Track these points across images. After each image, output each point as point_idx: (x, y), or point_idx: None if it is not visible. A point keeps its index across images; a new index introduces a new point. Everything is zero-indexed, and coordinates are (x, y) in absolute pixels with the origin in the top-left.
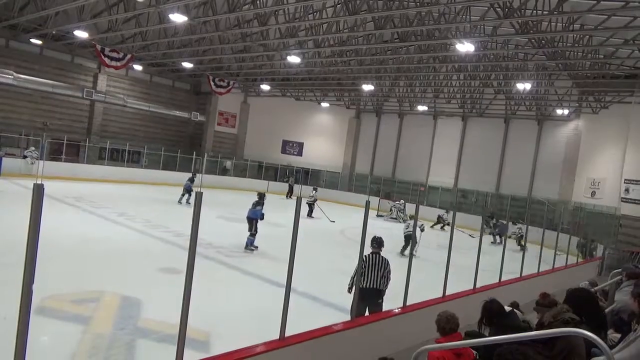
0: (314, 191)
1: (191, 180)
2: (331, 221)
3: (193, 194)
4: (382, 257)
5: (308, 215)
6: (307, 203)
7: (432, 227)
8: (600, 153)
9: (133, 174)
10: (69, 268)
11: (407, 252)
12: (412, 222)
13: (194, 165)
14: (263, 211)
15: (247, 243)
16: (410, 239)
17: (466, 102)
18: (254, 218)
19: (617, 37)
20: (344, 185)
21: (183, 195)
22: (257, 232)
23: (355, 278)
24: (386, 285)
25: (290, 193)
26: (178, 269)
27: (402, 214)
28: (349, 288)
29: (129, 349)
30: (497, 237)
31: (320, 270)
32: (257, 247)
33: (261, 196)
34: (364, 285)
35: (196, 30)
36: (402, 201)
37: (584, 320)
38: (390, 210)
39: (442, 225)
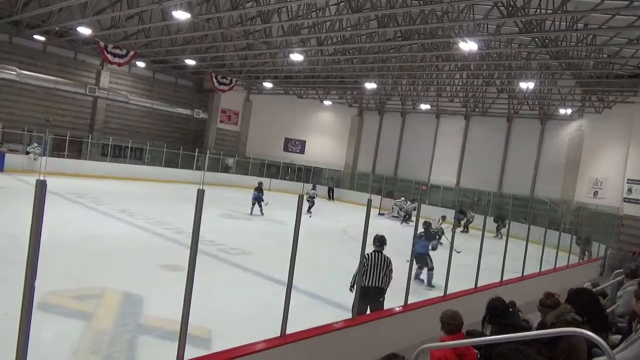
0: (314, 190)
1: (258, 189)
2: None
3: (263, 204)
4: (385, 255)
5: (307, 211)
6: (306, 200)
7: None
8: (603, 153)
9: (135, 171)
10: (70, 264)
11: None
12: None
13: (196, 163)
14: (433, 243)
15: (428, 279)
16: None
17: (469, 101)
18: (424, 253)
19: (621, 36)
20: (346, 184)
21: (253, 205)
22: (433, 267)
23: (357, 276)
24: (388, 283)
25: (331, 196)
26: (180, 266)
27: (403, 212)
28: (351, 286)
29: (130, 345)
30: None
31: (322, 268)
32: (433, 286)
33: (428, 225)
34: (366, 283)
35: (199, 27)
36: (402, 198)
37: (586, 321)
38: (392, 208)
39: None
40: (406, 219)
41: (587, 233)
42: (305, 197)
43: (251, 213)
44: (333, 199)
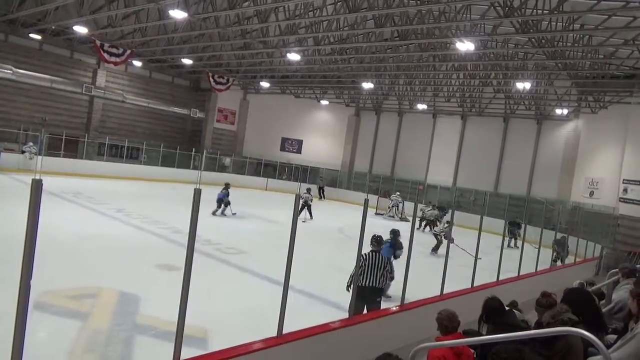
0: (307, 193)
1: (225, 189)
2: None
3: (229, 207)
4: (382, 255)
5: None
6: (304, 204)
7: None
8: (599, 153)
9: (132, 170)
10: (67, 264)
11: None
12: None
13: (193, 162)
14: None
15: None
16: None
17: (466, 101)
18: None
19: (617, 37)
20: (343, 183)
21: (218, 206)
22: (393, 277)
23: (353, 276)
24: (385, 283)
25: (321, 195)
26: (176, 266)
27: (398, 210)
28: (348, 286)
29: (126, 345)
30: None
31: (319, 268)
32: (389, 296)
33: (395, 234)
34: (363, 283)
35: (196, 26)
36: (398, 193)
37: (581, 320)
38: (389, 208)
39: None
40: (413, 221)
41: (563, 232)
42: (300, 202)
43: (214, 213)
44: (324, 198)
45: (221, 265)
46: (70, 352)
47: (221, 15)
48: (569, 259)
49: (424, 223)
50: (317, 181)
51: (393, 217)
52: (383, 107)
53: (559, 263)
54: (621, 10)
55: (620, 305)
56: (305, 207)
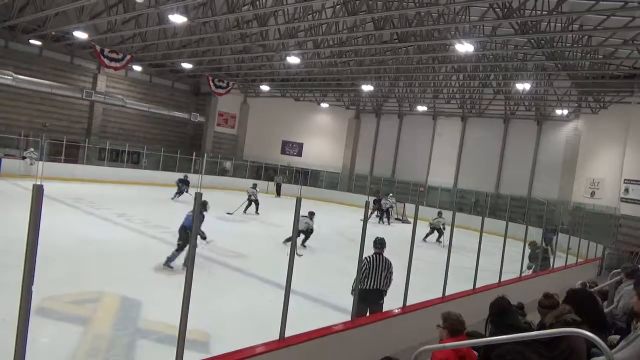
0: (253, 188)
1: (183, 181)
2: (228, 213)
3: (185, 195)
4: (385, 258)
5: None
6: (250, 200)
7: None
8: (600, 153)
9: (132, 175)
10: (68, 269)
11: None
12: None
13: (194, 166)
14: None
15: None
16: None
17: (465, 103)
18: (188, 227)
19: (617, 37)
20: (344, 186)
21: (177, 194)
22: (182, 248)
23: (355, 279)
24: (388, 285)
25: (278, 192)
26: (178, 270)
27: (394, 212)
28: (353, 290)
29: (128, 349)
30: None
31: (320, 271)
32: (171, 267)
33: (204, 204)
34: (367, 286)
35: (196, 31)
36: (390, 194)
37: (584, 321)
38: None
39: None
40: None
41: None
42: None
43: (173, 198)
44: (280, 195)
45: (223, 269)
46: (72, 357)
47: (221, 20)
48: (570, 259)
49: (376, 213)
50: (275, 178)
51: (400, 219)
52: (383, 109)
53: (530, 271)
54: (620, 10)
55: (624, 310)
56: (252, 203)
